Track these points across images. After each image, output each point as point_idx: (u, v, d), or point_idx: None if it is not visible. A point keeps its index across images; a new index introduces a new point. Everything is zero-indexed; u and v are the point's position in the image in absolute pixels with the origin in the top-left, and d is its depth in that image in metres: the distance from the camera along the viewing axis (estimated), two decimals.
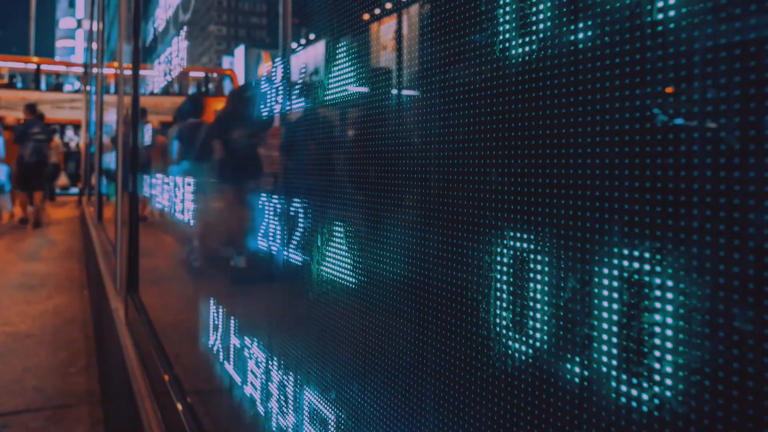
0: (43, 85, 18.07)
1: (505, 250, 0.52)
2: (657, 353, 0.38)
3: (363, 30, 0.80)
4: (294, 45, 1.06)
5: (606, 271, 0.42)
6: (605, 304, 0.42)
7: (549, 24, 0.47)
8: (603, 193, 0.42)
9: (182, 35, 1.94)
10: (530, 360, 0.49)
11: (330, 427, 0.83)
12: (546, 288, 0.48)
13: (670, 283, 0.37)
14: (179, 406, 1.52)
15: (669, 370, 0.37)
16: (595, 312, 0.43)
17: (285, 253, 1.03)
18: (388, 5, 0.74)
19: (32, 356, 3.45)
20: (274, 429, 1.03)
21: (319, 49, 0.92)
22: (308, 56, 0.97)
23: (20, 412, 2.73)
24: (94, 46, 8.12)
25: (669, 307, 0.37)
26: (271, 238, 1.09)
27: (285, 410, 0.99)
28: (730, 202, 0.34)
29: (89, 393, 2.98)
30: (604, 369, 0.42)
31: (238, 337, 1.26)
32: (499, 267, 0.53)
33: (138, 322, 2.32)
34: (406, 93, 0.70)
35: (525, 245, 0.50)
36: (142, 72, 2.84)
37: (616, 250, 0.41)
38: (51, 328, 4.04)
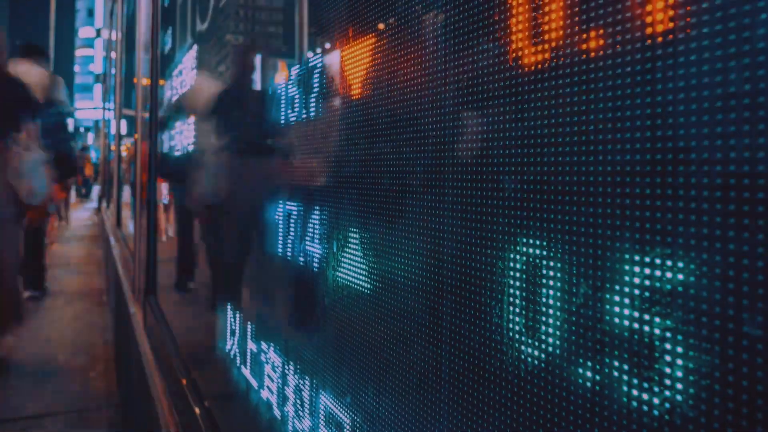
0: None
1: (518, 256, 0.53)
2: (668, 358, 0.39)
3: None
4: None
5: (618, 276, 0.43)
6: (617, 309, 0.43)
7: (561, 32, 0.48)
8: (615, 199, 0.43)
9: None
10: (544, 365, 0.50)
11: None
12: (559, 293, 0.48)
13: (680, 289, 0.38)
14: (197, 410, 1.54)
15: (679, 375, 0.38)
16: (608, 317, 0.43)
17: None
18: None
19: (52, 361, 3.51)
20: None
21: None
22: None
23: (41, 416, 2.77)
24: (113, 55, 8.24)
25: (679, 313, 0.38)
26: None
27: (302, 415, 1.00)
28: (740, 207, 0.35)
29: (108, 397, 3.01)
30: (617, 374, 0.43)
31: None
32: (513, 273, 0.53)
33: (156, 327, 2.35)
34: (420, 99, 0.71)
35: (538, 251, 0.50)
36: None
37: (627, 256, 0.42)
38: (71, 332, 4.10)
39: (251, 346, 1.30)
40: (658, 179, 0.40)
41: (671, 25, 0.39)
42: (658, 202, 0.40)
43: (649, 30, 0.41)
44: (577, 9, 0.47)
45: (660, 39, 0.40)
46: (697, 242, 0.37)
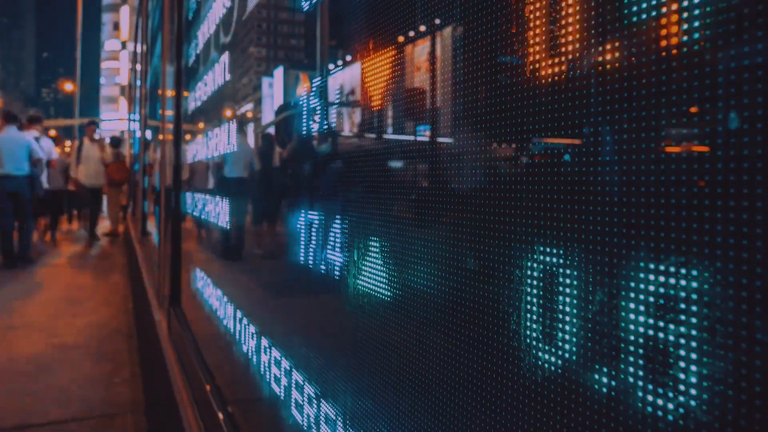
0: None
1: (536, 264, 0.54)
2: (683, 364, 0.39)
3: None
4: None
5: (633, 284, 0.43)
6: (632, 316, 0.43)
7: (578, 45, 0.49)
8: (630, 209, 0.44)
9: None
10: (560, 371, 0.50)
11: None
12: (575, 301, 0.49)
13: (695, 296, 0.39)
14: (220, 416, 1.56)
15: (694, 380, 0.38)
16: (623, 324, 0.44)
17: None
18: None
19: (78, 367, 3.56)
20: None
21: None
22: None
23: (66, 421, 2.81)
24: (138, 67, 8.41)
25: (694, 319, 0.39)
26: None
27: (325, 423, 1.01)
28: (754, 215, 0.35)
29: (133, 403, 3.05)
30: (632, 380, 0.43)
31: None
32: (529, 281, 0.54)
33: (180, 334, 2.39)
34: (439, 110, 0.73)
35: (555, 259, 0.51)
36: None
37: (642, 264, 0.43)
38: (96, 339, 4.17)
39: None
40: (672, 189, 0.40)
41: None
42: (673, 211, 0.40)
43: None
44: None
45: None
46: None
